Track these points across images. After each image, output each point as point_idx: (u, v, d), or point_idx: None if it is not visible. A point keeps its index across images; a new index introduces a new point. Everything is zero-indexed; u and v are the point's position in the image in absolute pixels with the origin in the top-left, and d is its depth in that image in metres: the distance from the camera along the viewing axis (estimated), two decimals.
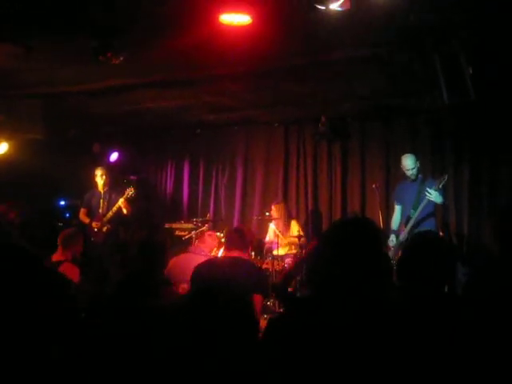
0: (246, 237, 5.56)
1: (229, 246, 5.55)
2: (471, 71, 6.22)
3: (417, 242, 3.35)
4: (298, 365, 2.32)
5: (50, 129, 9.50)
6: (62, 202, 11.42)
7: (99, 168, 9.90)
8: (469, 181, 9.30)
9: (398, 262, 3.32)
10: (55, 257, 6.66)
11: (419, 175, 8.36)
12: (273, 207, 10.04)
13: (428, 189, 7.91)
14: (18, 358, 2.22)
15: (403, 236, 8.02)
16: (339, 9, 5.00)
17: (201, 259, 5.75)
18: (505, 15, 5.66)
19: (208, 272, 4.98)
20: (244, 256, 5.51)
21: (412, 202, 8.15)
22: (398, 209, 8.61)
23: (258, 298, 5.10)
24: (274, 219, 9.85)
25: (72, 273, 5.92)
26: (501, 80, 7.29)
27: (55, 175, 10.64)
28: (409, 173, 8.34)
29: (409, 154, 8.48)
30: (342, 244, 2.54)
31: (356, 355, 2.30)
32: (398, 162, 8.95)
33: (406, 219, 8.19)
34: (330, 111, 9.91)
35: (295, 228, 9.86)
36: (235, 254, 5.39)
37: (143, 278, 4.21)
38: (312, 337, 2.36)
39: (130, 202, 9.54)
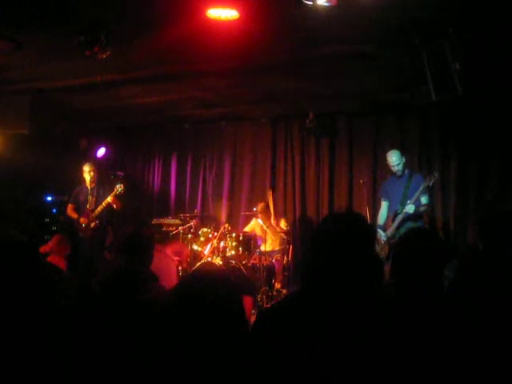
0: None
1: None
2: (458, 67, 6.23)
3: (411, 239, 3.34)
4: (286, 358, 2.33)
5: (37, 124, 9.45)
6: (49, 198, 11.37)
7: (87, 164, 9.86)
8: (456, 177, 9.34)
9: (391, 258, 3.32)
10: (42, 248, 6.66)
11: (406, 170, 8.37)
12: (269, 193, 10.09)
13: (405, 206, 7.95)
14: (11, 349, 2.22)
15: (390, 232, 8.03)
16: (327, 4, 5.00)
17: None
18: (492, 11, 5.68)
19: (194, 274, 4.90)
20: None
21: (399, 198, 8.16)
22: (384, 205, 8.61)
23: (247, 300, 5.05)
24: (261, 215, 9.85)
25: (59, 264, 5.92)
26: (488, 76, 7.31)
27: (42, 171, 10.60)
28: (394, 169, 8.35)
29: (394, 150, 8.49)
30: (334, 239, 2.54)
31: (346, 350, 2.30)
32: (386, 158, 8.99)
33: (393, 215, 8.20)
34: (318, 107, 9.92)
35: (283, 225, 9.90)
36: None
37: (130, 273, 4.19)
38: (301, 330, 2.37)
39: (118, 198, 9.52)
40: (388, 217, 8.37)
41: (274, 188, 10.83)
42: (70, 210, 9.83)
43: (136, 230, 4.54)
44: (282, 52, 7.04)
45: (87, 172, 9.74)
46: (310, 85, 8.56)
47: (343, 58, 7.14)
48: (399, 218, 8.01)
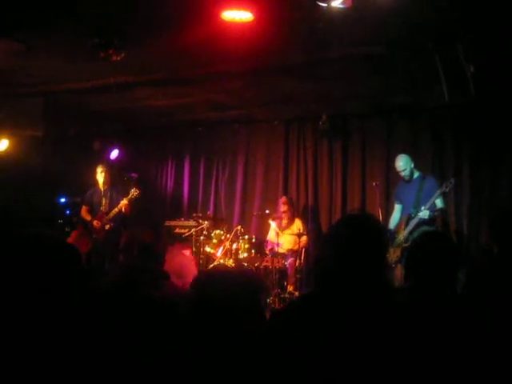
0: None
1: None
2: (472, 69, 6.22)
3: (425, 242, 3.33)
4: (298, 358, 2.33)
5: (51, 126, 9.51)
6: (63, 200, 11.42)
7: (100, 165, 9.91)
8: (469, 180, 9.29)
9: (405, 261, 3.31)
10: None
11: (418, 173, 8.36)
12: (282, 199, 10.04)
13: (419, 213, 7.92)
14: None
15: (403, 235, 8.00)
16: (341, 6, 5.01)
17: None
18: (505, 13, 5.67)
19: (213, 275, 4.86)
20: None
21: (412, 201, 8.13)
22: (397, 208, 8.60)
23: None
24: (275, 217, 9.85)
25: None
26: (501, 78, 7.29)
27: (56, 172, 10.64)
28: (402, 174, 8.35)
29: (401, 155, 8.48)
30: (347, 240, 2.54)
31: (359, 352, 2.30)
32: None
33: (406, 218, 8.17)
34: (331, 109, 9.91)
35: (298, 226, 9.85)
36: None
37: (142, 272, 4.22)
38: (313, 332, 2.37)
39: (132, 201, 9.55)
40: (401, 220, 8.34)
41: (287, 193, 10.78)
42: (84, 212, 9.87)
43: (147, 230, 4.57)
44: (296, 54, 7.06)
45: (100, 173, 9.78)
46: (324, 87, 8.56)
47: (356, 60, 7.14)
48: (413, 222, 7.97)
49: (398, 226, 8.30)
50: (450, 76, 6.46)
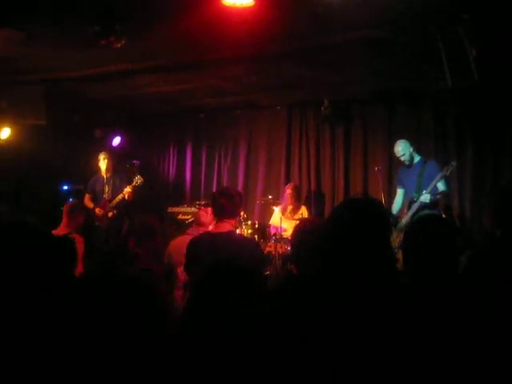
0: (236, 200, 5.11)
1: (219, 215, 5.09)
2: (475, 53, 6.19)
3: (424, 225, 3.31)
4: (299, 343, 2.34)
5: (53, 114, 9.49)
6: (65, 187, 11.43)
7: (102, 153, 9.92)
8: (472, 165, 9.28)
9: (403, 247, 3.30)
10: (60, 230, 6.77)
11: (420, 157, 8.37)
12: (288, 188, 10.03)
13: (421, 195, 7.93)
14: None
15: (406, 219, 8.00)
16: None
17: None
18: None
19: (213, 248, 4.84)
20: (235, 224, 5.24)
21: (414, 186, 8.14)
22: (400, 192, 8.61)
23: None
24: (278, 203, 9.86)
25: (78, 242, 6.02)
26: (504, 62, 7.26)
27: (58, 160, 10.65)
28: (401, 159, 8.38)
29: (400, 141, 8.50)
30: (350, 224, 2.53)
31: (360, 336, 2.30)
32: None
33: (408, 203, 8.18)
34: (333, 94, 9.89)
35: (303, 213, 9.85)
36: (228, 225, 5.04)
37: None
38: (314, 316, 2.37)
39: (135, 189, 9.57)
40: (403, 205, 8.35)
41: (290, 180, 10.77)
42: (87, 200, 9.88)
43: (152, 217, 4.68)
44: (297, 39, 7.03)
45: (102, 160, 9.79)
46: (325, 72, 8.53)
47: (358, 45, 7.11)
48: (415, 206, 7.98)
49: (401, 210, 8.31)
50: (452, 60, 6.43)
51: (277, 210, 9.79)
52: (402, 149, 8.32)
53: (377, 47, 7.15)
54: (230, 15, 5.98)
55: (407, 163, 8.34)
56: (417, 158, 8.39)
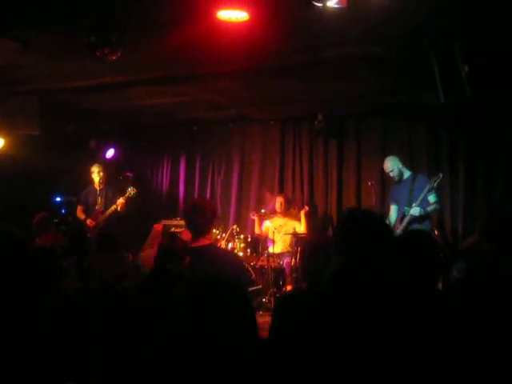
0: (209, 215, 4.93)
1: (195, 233, 4.94)
2: (467, 69, 6.24)
3: (403, 241, 3.31)
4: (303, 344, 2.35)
5: (47, 125, 9.49)
6: (58, 199, 11.42)
7: (96, 165, 9.93)
8: (464, 179, 9.32)
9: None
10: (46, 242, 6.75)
11: (410, 172, 8.43)
12: (278, 198, 10.03)
13: (410, 209, 7.98)
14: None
15: (398, 234, 8.03)
16: (336, 6, 5.01)
17: None
18: (501, 13, 5.69)
19: (199, 262, 4.72)
20: (211, 238, 5.11)
21: (405, 201, 8.18)
22: (393, 208, 8.66)
23: None
24: (270, 216, 9.86)
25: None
26: (497, 78, 7.32)
27: (51, 171, 10.65)
28: (390, 175, 8.44)
29: (388, 157, 8.61)
30: (360, 234, 2.55)
31: (366, 341, 2.32)
32: None
33: (400, 217, 8.23)
34: (327, 109, 9.93)
35: (297, 226, 9.82)
36: (206, 240, 4.92)
37: (161, 272, 4.31)
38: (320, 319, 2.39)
39: (129, 201, 9.58)
40: (396, 220, 8.38)
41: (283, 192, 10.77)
42: (79, 212, 9.88)
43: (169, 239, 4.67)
44: (292, 54, 7.06)
45: (96, 173, 9.80)
46: (319, 86, 8.57)
47: (352, 60, 7.16)
48: (405, 220, 8.04)
49: (395, 226, 8.34)
50: (445, 75, 6.46)
51: (268, 223, 9.79)
52: (390, 165, 8.40)
53: (370, 63, 7.20)
54: (225, 29, 6.01)
55: (396, 179, 8.43)
56: (407, 174, 8.45)
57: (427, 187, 7.93)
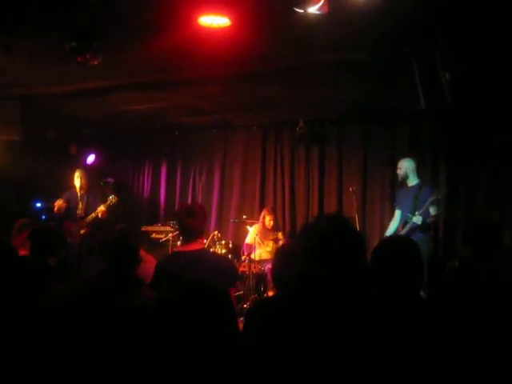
0: (201, 219, 4.93)
1: (186, 237, 4.96)
2: (448, 76, 6.28)
3: (384, 249, 3.28)
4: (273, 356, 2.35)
5: (28, 130, 9.43)
6: (38, 204, 11.33)
7: (78, 170, 9.89)
8: (446, 185, 9.34)
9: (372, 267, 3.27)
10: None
11: (418, 181, 8.48)
12: (265, 214, 10.01)
13: (413, 216, 8.04)
14: None
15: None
16: (318, 12, 5.03)
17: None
18: (482, 21, 5.73)
19: (181, 267, 4.71)
20: (202, 245, 5.08)
21: (409, 207, 8.23)
22: (397, 213, 8.69)
23: (231, 292, 4.93)
24: (251, 223, 9.86)
25: None
26: (477, 84, 7.37)
27: (32, 177, 10.56)
28: (397, 172, 8.51)
29: (406, 158, 8.66)
30: (322, 238, 2.54)
31: (330, 354, 2.32)
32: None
33: (403, 223, 8.26)
34: (308, 115, 9.95)
35: (279, 234, 9.85)
36: (198, 244, 4.91)
37: (115, 277, 4.21)
38: (287, 329, 2.39)
39: (109, 208, 9.55)
40: (400, 226, 8.40)
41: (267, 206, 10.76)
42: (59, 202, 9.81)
43: (122, 236, 4.56)
44: (273, 60, 7.07)
45: (76, 178, 9.75)
46: (301, 92, 8.59)
47: (334, 66, 7.18)
48: (407, 227, 8.10)
49: (397, 231, 8.36)
50: (426, 82, 6.51)
51: (251, 229, 9.79)
52: (402, 165, 8.51)
53: (352, 69, 7.22)
54: (207, 35, 6.01)
55: (399, 179, 8.53)
56: (414, 181, 8.48)
57: (430, 199, 7.99)
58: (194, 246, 4.89)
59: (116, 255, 4.40)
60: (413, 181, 8.49)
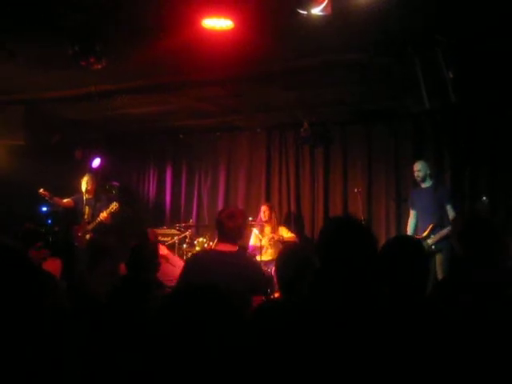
0: (241, 225, 5.02)
1: (221, 237, 5.00)
2: (452, 75, 6.27)
3: (391, 248, 3.28)
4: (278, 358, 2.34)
5: (32, 135, 9.46)
6: (44, 209, 11.35)
7: (86, 175, 9.93)
8: (450, 183, 9.34)
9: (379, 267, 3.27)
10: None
11: (432, 182, 8.54)
12: (264, 207, 10.00)
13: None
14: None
15: (429, 243, 8.10)
16: (321, 14, 5.03)
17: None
18: (484, 20, 5.73)
19: (205, 266, 4.74)
20: (235, 248, 5.04)
21: (425, 208, 8.32)
22: (412, 214, 8.72)
23: (257, 300, 4.91)
24: (257, 224, 9.84)
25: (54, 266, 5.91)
26: (481, 84, 7.36)
27: (37, 181, 10.58)
28: (415, 174, 8.55)
29: (421, 160, 8.68)
30: (337, 243, 2.55)
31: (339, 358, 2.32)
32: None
33: (431, 226, 8.22)
34: (312, 116, 9.94)
35: (286, 234, 9.80)
36: (228, 247, 4.94)
37: (136, 282, 4.25)
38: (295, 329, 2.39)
39: (111, 214, 9.57)
40: (425, 227, 8.33)
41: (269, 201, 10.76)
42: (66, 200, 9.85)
43: (140, 241, 4.62)
44: (277, 62, 7.08)
45: (84, 182, 9.78)
46: (305, 94, 8.58)
47: (337, 67, 7.17)
48: (441, 232, 8.10)
49: (422, 232, 8.34)
50: (429, 82, 6.51)
51: (255, 231, 9.77)
52: (421, 166, 8.46)
53: (356, 69, 7.22)
54: (210, 38, 6.02)
55: (418, 179, 8.53)
56: (429, 183, 8.48)
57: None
58: (225, 247, 4.92)
59: (133, 261, 4.46)
60: (427, 182, 8.49)
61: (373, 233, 2.78)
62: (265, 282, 5.46)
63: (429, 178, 8.53)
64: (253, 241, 9.91)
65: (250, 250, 9.89)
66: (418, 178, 8.52)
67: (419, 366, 2.50)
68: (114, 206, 9.59)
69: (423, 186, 8.57)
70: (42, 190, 9.68)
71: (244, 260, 5.20)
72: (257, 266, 6.28)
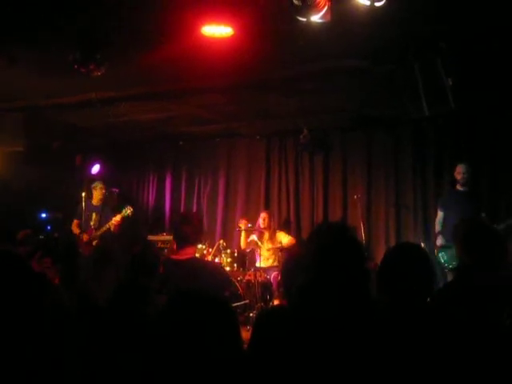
0: (197, 227, 4.91)
1: (180, 243, 4.87)
2: (451, 82, 6.29)
3: (394, 255, 3.28)
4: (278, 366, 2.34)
5: (32, 142, 9.46)
6: (44, 215, 11.35)
7: (99, 181, 9.86)
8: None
9: (376, 275, 3.27)
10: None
11: (467, 187, 8.38)
12: (264, 214, 9.98)
13: None
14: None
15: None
16: (320, 21, 5.04)
17: None
18: (483, 27, 5.74)
19: (181, 275, 4.66)
20: (195, 251, 5.04)
21: (465, 212, 8.04)
22: (440, 215, 8.52)
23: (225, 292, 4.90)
24: (256, 230, 9.84)
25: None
26: (480, 90, 7.38)
27: (37, 188, 10.59)
28: (460, 176, 8.31)
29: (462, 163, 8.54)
30: (321, 250, 2.55)
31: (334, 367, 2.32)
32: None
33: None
34: (312, 123, 9.95)
35: (284, 239, 9.77)
36: (189, 252, 4.84)
37: (134, 286, 4.24)
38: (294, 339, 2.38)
39: (123, 219, 9.49)
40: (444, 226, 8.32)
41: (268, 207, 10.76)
42: (74, 226, 9.79)
43: (142, 248, 4.61)
44: (277, 69, 7.09)
45: (99, 189, 9.71)
46: (304, 100, 8.59)
47: (337, 74, 7.19)
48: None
49: (436, 233, 8.34)
50: (429, 89, 6.51)
51: (254, 237, 9.76)
52: (467, 169, 8.31)
53: (355, 76, 7.23)
54: (210, 45, 6.03)
55: (462, 182, 8.32)
56: (464, 187, 8.36)
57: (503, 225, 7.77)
58: (184, 255, 4.85)
59: (135, 266, 4.46)
60: (467, 186, 8.41)
61: (354, 237, 2.78)
62: (229, 285, 5.44)
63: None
64: (243, 244, 9.87)
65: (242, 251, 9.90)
66: (463, 181, 8.32)
67: (419, 372, 2.50)
68: (127, 209, 9.42)
69: (462, 189, 8.38)
70: (84, 236, 9.59)
71: (206, 265, 5.20)
72: (220, 269, 6.26)
